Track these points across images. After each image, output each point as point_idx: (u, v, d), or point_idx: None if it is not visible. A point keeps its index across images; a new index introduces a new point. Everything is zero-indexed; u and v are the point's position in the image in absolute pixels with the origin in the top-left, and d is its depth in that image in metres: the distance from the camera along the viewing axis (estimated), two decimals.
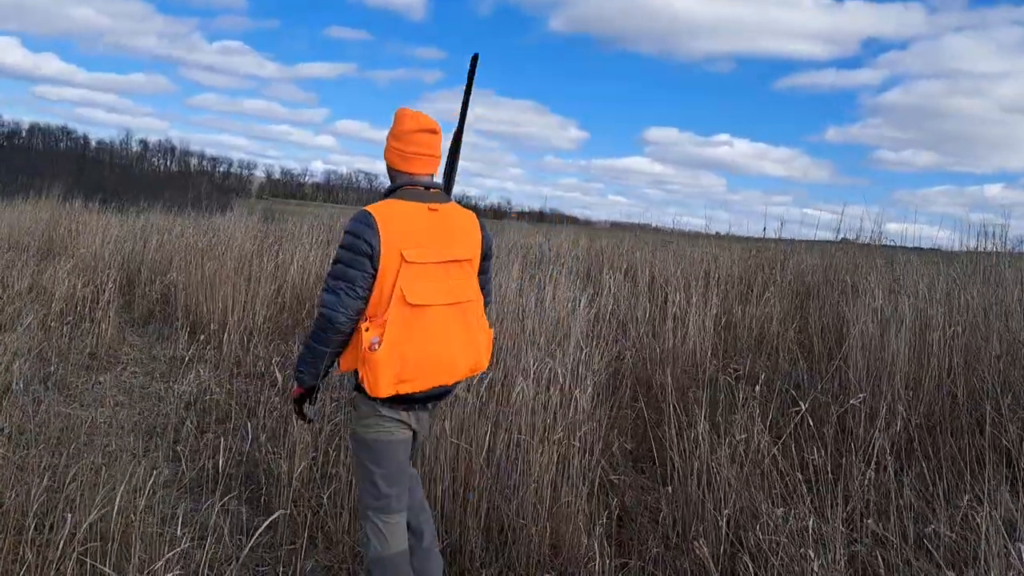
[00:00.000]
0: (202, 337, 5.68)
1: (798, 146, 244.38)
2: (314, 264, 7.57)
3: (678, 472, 3.13)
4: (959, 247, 7.31)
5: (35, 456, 2.67)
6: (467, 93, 2.53)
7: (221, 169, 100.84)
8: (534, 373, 3.14)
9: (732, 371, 5.86)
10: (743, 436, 3.21)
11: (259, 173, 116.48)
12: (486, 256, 2.42)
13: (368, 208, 2.19)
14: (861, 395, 3.71)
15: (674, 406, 3.49)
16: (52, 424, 3.66)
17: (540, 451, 2.87)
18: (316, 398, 2.39)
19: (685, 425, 3.72)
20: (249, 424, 3.87)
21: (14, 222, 11.01)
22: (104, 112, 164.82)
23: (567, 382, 3.13)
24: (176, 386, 4.64)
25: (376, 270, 2.14)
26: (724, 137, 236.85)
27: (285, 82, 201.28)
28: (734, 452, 3.10)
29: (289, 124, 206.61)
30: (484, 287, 2.43)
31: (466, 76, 2.52)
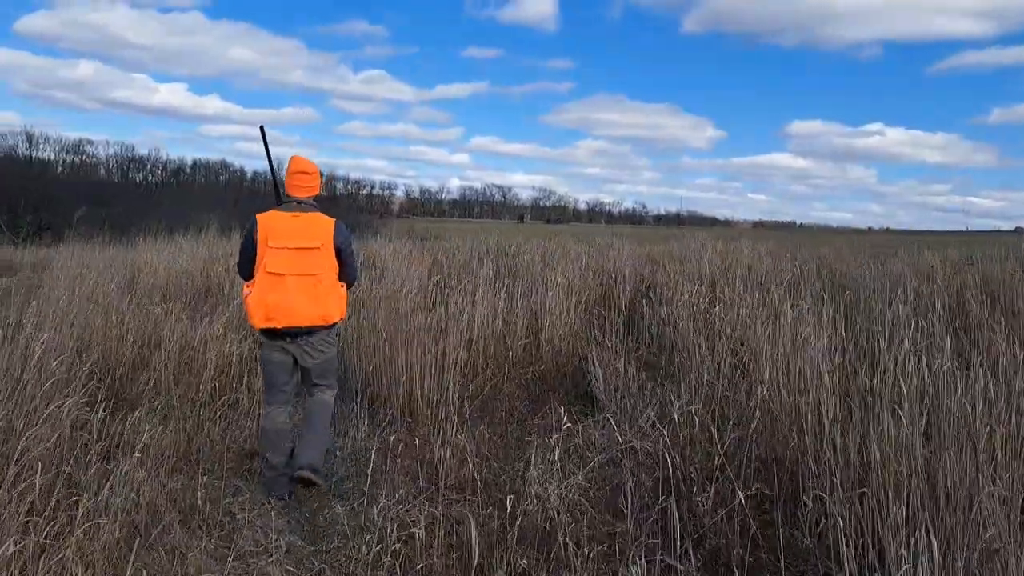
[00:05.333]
0: (386, 424, 4.29)
1: (958, 131, 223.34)
2: (501, 308, 6.08)
3: None
4: None
5: None
6: (268, 155, 3.97)
7: (364, 192, 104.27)
8: None
9: None
10: None
11: (399, 193, 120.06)
12: (339, 247, 3.65)
13: (257, 215, 3.61)
14: None
15: None
16: None
17: None
18: None
19: None
20: None
21: (171, 262, 10.36)
22: (260, 145, 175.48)
23: None
24: (367, 512, 3.22)
25: (255, 251, 3.54)
26: (875, 126, 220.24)
27: (422, 105, 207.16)
28: None
29: (426, 144, 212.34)
30: (349, 266, 3.74)
31: (263, 146, 3.98)
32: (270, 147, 3.98)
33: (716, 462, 3.47)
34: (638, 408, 4.71)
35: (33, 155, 52.36)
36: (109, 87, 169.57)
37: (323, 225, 3.61)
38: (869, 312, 5.16)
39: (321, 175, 3.78)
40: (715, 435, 3.76)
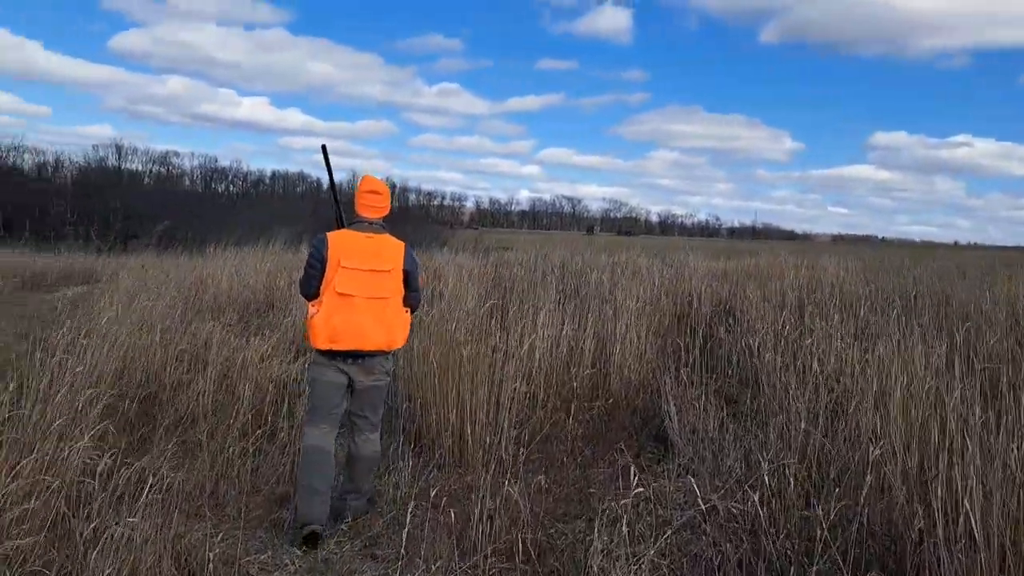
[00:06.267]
0: (432, 467, 3.85)
1: None
2: (566, 334, 5.57)
3: None
4: None
5: None
6: (330, 175, 3.83)
7: (435, 203, 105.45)
8: None
9: None
10: None
11: (469, 204, 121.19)
12: (409, 272, 3.53)
13: (328, 233, 3.45)
14: None
15: None
16: None
17: None
18: None
19: None
20: None
21: (234, 275, 10.23)
22: (337, 157, 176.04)
23: None
24: None
25: (324, 270, 3.39)
26: (963, 138, 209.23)
27: (495, 118, 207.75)
28: None
29: (497, 157, 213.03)
30: (414, 290, 3.59)
31: (324, 165, 3.79)
32: (332, 166, 3.81)
33: (818, 536, 2.87)
34: (719, 456, 4.14)
35: (122, 166, 54.66)
36: (196, 101, 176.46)
37: (394, 248, 3.50)
38: (998, 352, 4.43)
39: (389, 195, 3.63)
40: (814, 499, 3.18)
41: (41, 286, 13.93)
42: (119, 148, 58.90)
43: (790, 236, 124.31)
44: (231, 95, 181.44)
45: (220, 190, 78.33)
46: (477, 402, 4.20)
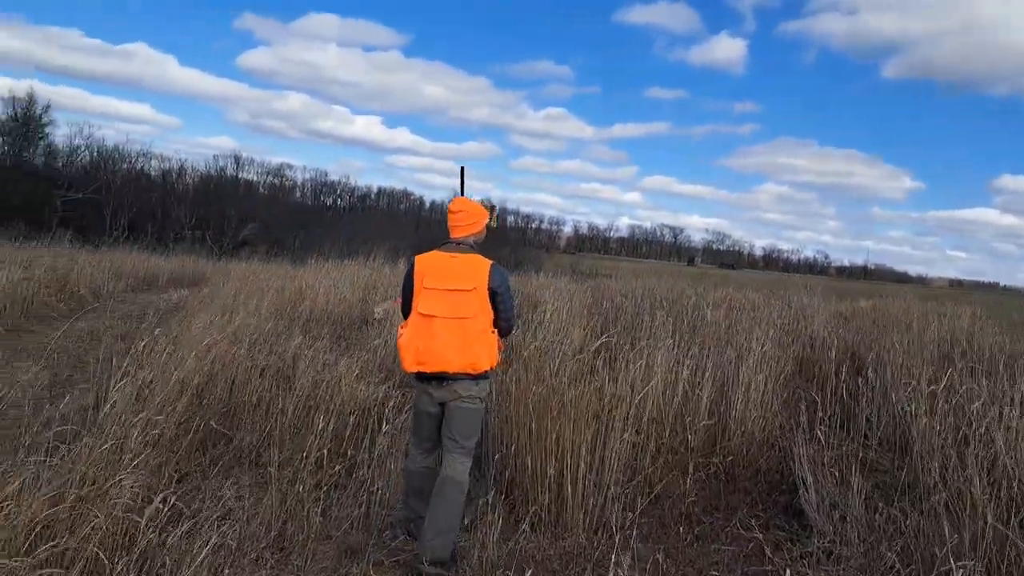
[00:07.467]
0: (526, 525, 3.32)
1: None
2: (684, 379, 4.94)
3: None
4: None
5: None
6: (461, 193, 3.75)
7: (533, 225, 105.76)
8: None
9: None
10: None
11: (567, 229, 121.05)
12: (494, 291, 3.33)
13: (416, 256, 3.47)
14: None
15: None
16: None
17: None
18: None
19: None
20: None
21: (331, 288, 10.09)
22: (440, 176, 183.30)
23: None
24: None
25: (412, 290, 3.37)
26: None
27: (599, 143, 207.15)
28: None
29: (599, 182, 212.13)
30: (502, 311, 3.38)
31: (460, 183, 3.81)
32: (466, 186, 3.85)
33: None
34: (869, 542, 3.42)
35: (239, 176, 57.39)
36: (312, 118, 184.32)
37: (478, 267, 3.36)
38: None
39: (482, 213, 3.56)
40: None
41: (152, 287, 14.39)
42: (237, 159, 61.83)
43: (903, 278, 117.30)
44: (345, 113, 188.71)
45: (328, 203, 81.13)
46: (579, 453, 3.64)
